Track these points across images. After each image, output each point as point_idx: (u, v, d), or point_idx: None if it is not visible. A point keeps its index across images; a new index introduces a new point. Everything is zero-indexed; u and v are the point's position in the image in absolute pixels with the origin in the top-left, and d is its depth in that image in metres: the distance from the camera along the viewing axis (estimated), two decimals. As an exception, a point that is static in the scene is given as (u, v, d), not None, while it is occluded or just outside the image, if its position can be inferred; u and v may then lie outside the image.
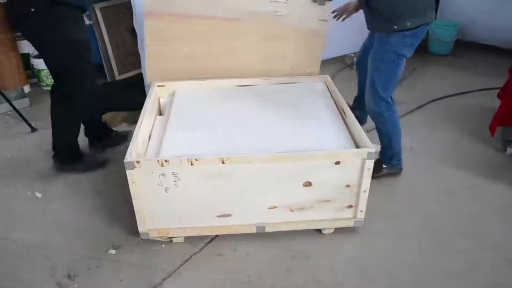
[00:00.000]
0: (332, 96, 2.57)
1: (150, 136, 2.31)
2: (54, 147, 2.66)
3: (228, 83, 2.74)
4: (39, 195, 2.51)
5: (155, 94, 2.59)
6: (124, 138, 3.00)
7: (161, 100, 2.66)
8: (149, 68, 2.67)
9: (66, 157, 2.66)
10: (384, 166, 2.58)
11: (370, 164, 2.00)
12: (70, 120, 2.58)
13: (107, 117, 3.30)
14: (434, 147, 2.97)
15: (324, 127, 2.26)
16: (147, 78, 2.74)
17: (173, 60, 2.66)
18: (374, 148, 2.00)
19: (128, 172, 1.91)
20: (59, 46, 2.30)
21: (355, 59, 3.12)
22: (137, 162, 1.90)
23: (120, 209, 2.38)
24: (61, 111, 2.54)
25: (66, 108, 2.51)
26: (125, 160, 1.90)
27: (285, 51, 2.71)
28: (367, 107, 2.46)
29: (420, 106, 3.49)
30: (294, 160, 1.96)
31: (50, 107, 2.57)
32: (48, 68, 2.47)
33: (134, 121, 3.25)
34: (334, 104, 2.49)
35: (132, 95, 3.32)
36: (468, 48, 4.59)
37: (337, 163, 1.99)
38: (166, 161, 1.90)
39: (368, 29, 2.46)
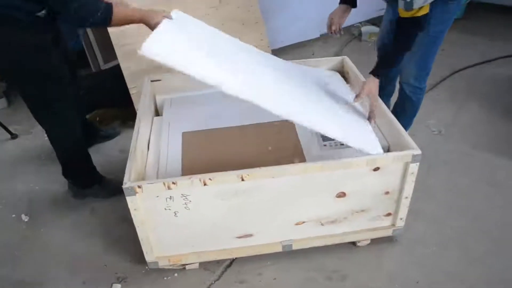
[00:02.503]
0: (354, 83, 2.23)
1: (148, 144, 1.98)
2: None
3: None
4: (25, 218, 2.17)
5: (151, 92, 2.23)
6: (110, 137, 2.78)
7: (158, 98, 2.30)
8: (123, 63, 2.67)
9: (79, 180, 2.26)
10: None
11: (414, 168, 1.69)
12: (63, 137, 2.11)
13: (96, 115, 2.96)
14: (465, 129, 2.66)
15: (353, 124, 1.93)
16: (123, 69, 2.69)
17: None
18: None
19: (128, 198, 1.59)
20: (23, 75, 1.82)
21: (374, 39, 2.77)
22: (139, 187, 1.57)
23: (119, 229, 2.07)
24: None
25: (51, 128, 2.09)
26: (124, 186, 1.56)
27: (232, 9, 3.00)
28: (406, 83, 2.24)
29: (443, 80, 3.16)
30: (326, 170, 1.64)
31: None
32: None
33: (126, 118, 2.90)
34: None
35: (121, 87, 2.94)
36: (481, 10, 4.22)
37: (376, 169, 1.68)
38: (173, 183, 1.57)
39: None
